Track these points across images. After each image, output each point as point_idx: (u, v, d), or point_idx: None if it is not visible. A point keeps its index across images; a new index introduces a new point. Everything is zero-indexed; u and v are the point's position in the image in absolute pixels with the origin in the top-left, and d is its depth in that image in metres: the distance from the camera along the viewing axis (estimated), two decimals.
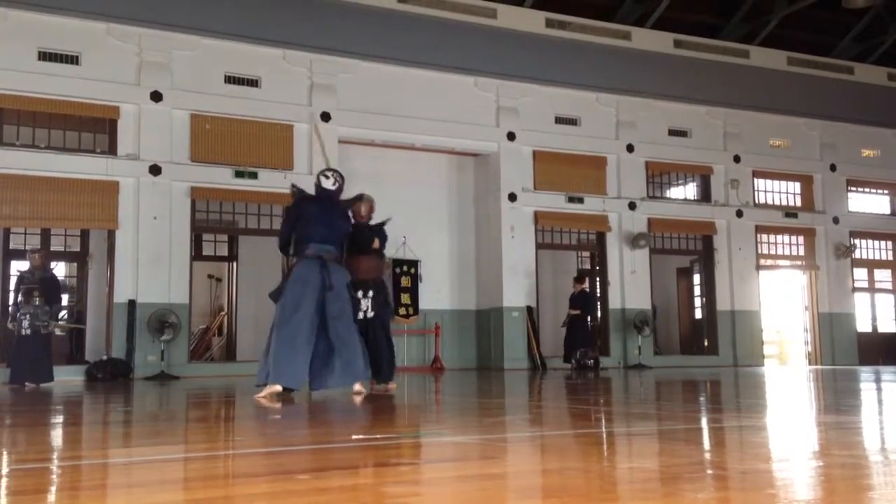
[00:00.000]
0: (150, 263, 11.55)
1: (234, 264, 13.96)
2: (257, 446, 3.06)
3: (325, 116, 12.81)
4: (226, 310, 14.33)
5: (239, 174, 12.24)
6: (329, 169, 6.56)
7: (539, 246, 14.39)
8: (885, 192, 17.37)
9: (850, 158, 16.74)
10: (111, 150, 11.77)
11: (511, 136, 14.04)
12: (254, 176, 12.32)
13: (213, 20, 12.15)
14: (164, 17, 11.85)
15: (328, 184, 6.35)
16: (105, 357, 11.35)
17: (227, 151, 12.26)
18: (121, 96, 11.72)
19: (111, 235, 11.77)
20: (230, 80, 12.45)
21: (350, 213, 6.82)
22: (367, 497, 1.85)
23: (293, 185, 6.73)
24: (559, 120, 14.52)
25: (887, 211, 17.39)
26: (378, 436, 3.32)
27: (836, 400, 5.34)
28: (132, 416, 4.76)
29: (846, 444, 2.92)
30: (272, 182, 12.42)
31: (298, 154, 12.73)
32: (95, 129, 11.90)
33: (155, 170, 11.70)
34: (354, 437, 3.22)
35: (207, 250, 14.04)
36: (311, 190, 6.51)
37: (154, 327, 11.20)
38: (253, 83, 12.58)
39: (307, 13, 12.61)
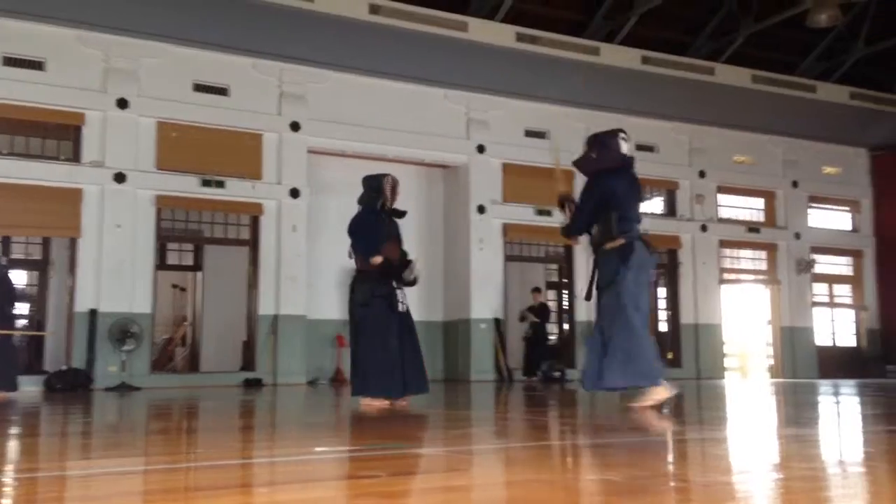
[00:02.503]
0: (112, 272, 11.37)
1: (200, 274, 13.81)
2: (217, 459, 3.02)
3: (295, 126, 12.75)
4: (190, 320, 14.15)
5: (206, 183, 12.12)
6: (621, 130, 5.62)
7: (507, 258, 14.43)
8: (846, 208, 17.71)
9: (811, 175, 17.05)
10: (75, 157, 11.60)
11: (481, 149, 14.09)
12: (221, 185, 12.20)
13: (182, 28, 12.05)
14: (132, 24, 11.72)
15: (627, 147, 5.39)
16: (65, 367, 11.14)
17: (194, 160, 12.13)
18: (86, 103, 11.56)
19: (73, 243, 11.58)
20: (198, 88, 12.34)
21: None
22: None
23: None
24: (529, 133, 14.61)
25: (847, 227, 17.72)
26: (341, 448, 3.29)
27: (796, 413, 5.41)
28: (91, 428, 4.67)
29: (805, 456, 2.96)
30: (240, 191, 12.32)
31: (267, 164, 12.65)
32: (60, 135, 11.72)
33: (120, 177, 11.55)
34: (317, 449, 3.19)
35: (172, 259, 13.86)
36: None
37: (115, 337, 11.02)
38: (222, 91, 12.49)
39: (277, 22, 12.55)
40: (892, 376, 15.54)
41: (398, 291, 6.10)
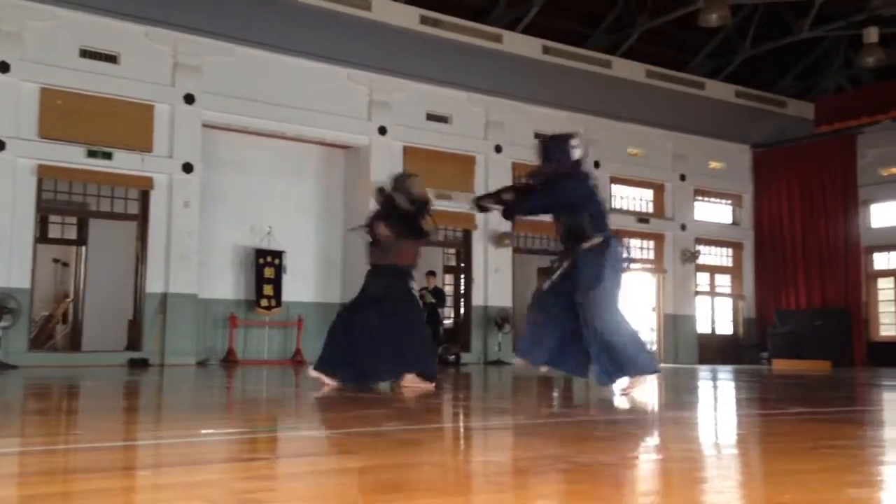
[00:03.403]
0: None
1: (83, 249, 13.20)
2: (99, 440, 2.90)
3: (189, 98, 12.32)
4: (72, 296, 13.54)
5: (92, 154, 11.57)
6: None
7: None
8: (728, 202, 18.60)
9: (698, 169, 17.79)
10: None
11: (382, 131, 14.02)
12: (108, 156, 11.68)
13: None
14: None
15: (579, 153, 5.60)
16: None
17: (80, 129, 11.56)
18: None
19: None
20: (86, 54, 11.74)
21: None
22: (214, 493, 1.79)
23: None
24: (430, 117, 14.63)
25: (729, 220, 18.63)
26: (229, 431, 3.23)
27: (677, 397, 5.67)
28: None
29: (684, 438, 3.11)
30: (128, 164, 11.82)
31: (159, 136, 12.17)
32: None
33: None
34: (204, 431, 3.12)
35: (54, 233, 13.18)
36: None
37: None
38: (111, 59, 11.92)
39: None
40: (764, 362, 16.49)
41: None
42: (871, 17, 15.00)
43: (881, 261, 17.67)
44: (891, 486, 2.05)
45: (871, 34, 14.92)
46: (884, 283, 17.65)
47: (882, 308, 17.62)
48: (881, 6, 14.84)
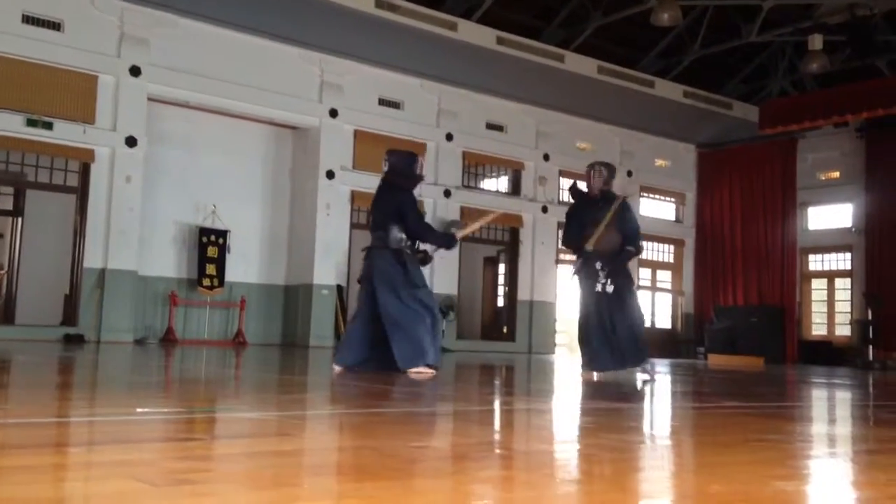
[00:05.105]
0: None
1: (19, 220, 12.81)
2: (30, 416, 2.83)
3: (135, 71, 12.02)
4: (6, 269, 13.13)
5: (31, 123, 11.22)
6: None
7: (354, 226, 14.36)
8: (672, 199, 18.95)
9: (644, 166, 18.07)
10: None
11: (333, 113, 13.89)
12: (48, 126, 11.34)
13: None
14: None
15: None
16: None
17: (20, 97, 11.19)
18: None
19: None
20: (28, 20, 11.36)
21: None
22: (146, 472, 1.77)
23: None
24: (382, 102, 14.55)
25: (672, 218, 18.98)
26: (165, 410, 3.18)
27: (616, 388, 5.76)
28: None
29: (618, 428, 3.16)
30: (69, 135, 11.50)
31: (102, 108, 11.86)
32: None
33: None
34: (139, 410, 3.06)
35: None
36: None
37: None
38: (54, 26, 11.56)
39: None
40: (701, 357, 16.89)
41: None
42: (817, 25, 15.40)
43: (816, 262, 18.24)
44: (817, 479, 2.13)
45: (816, 41, 15.32)
46: (817, 284, 18.22)
47: (814, 308, 18.20)
48: (826, 14, 15.24)
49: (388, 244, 6.07)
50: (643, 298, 18.28)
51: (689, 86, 17.93)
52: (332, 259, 13.78)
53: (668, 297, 18.99)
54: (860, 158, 17.26)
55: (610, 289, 6.61)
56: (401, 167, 6.33)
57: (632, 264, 7.06)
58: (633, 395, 5.11)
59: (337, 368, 6.04)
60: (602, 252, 6.64)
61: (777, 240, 17.60)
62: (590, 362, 6.78)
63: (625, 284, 6.68)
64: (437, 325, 6.07)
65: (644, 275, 18.30)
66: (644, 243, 17.94)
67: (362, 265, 6.31)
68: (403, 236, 6.11)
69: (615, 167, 7.28)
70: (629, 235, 6.75)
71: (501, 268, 16.86)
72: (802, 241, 17.77)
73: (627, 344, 6.53)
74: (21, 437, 2.35)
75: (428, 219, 14.98)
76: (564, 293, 17.25)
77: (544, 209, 16.37)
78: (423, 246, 6.31)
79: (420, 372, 5.81)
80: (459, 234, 6.77)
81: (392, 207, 6.12)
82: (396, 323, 5.93)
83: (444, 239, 6.50)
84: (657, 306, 18.72)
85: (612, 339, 6.55)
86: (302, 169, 14.09)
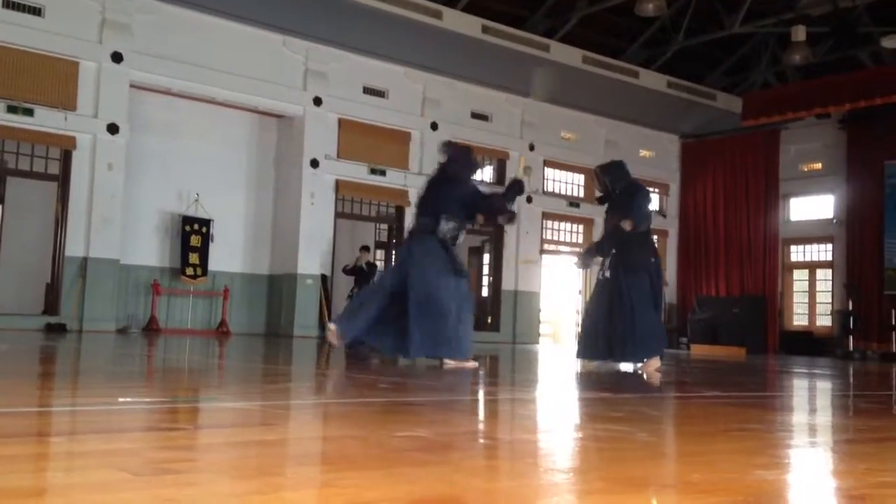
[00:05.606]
0: None
1: (0, 208, 12.67)
2: (10, 406, 2.81)
3: (117, 57, 11.90)
4: None
5: (11, 109, 11.10)
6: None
7: (339, 215, 14.33)
8: (655, 190, 19.00)
9: (628, 157, 17.94)
10: None
11: (318, 102, 13.82)
12: (29, 113, 11.22)
13: None
14: None
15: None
16: None
17: (0, 83, 11.06)
18: None
19: None
20: (8, 4, 11.22)
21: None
22: (130, 462, 1.76)
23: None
24: (367, 90, 14.49)
25: (656, 208, 19.03)
26: (148, 399, 3.16)
27: (598, 378, 5.80)
28: None
29: (601, 417, 3.18)
30: (50, 121, 11.38)
31: (84, 94, 11.74)
32: None
33: None
34: (122, 399, 3.05)
35: None
36: None
37: None
38: (35, 11, 11.42)
39: None
40: (684, 347, 17.00)
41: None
42: (800, 16, 15.46)
43: (797, 253, 18.39)
44: (797, 468, 2.15)
45: (799, 32, 15.38)
46: (798, 275, 18.38)
47: (796, 298, 18.37)
48: (809, 6, 15.30)
49: (436, 232, 6.06)
50: None
51: (673, 76, 17.98)
52: (316, 248, 13.74)
53: None
54: (842, 150, 17.39)
55: (608, 273, 6.65)
56: (460, 157, 6.39)
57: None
58: (615, 385, 5.14)
59: (332, 328, 5.97)
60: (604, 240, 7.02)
61: (759, 231, 17.72)
62: (579, 351, 6.88)
63: (633, 281, 6.58)
64: (470, 316, 6.07)
65: None
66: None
67: (401, 247, 6.32)
68: (452, 226, 6.09)
69: (612, 164, 7.20)
70: (632, 218, 6.72)
71: (486, 258, 16.88)
72: (784, 231, 17.90)
73: (622, 337, 6.50)
74: (2, 426, 2.33)
75: (414, 208, 14.98)
76: (549, 284, 17.31)
77: (529, 199, 16.39)
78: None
79: (462, 366, 5.75)
80: (522, 178, 6.55)
81: (450, 197, 6.11)
82: (425, 307, 5.84)
83: (514, 191, 6.43)
84: None
85: (606, 329, 6.54)
86: (286, 157, 14.03)
